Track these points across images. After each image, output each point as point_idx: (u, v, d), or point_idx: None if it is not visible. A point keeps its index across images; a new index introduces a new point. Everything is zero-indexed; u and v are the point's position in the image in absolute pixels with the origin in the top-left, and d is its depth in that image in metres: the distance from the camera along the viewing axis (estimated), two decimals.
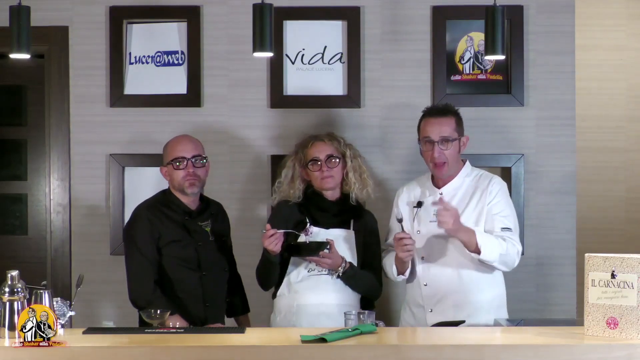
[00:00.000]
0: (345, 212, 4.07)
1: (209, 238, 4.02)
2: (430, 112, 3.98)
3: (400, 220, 3.90)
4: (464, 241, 3.81)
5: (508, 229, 3.90)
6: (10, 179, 5.96)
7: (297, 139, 4.22)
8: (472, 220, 3.91)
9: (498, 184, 3.98)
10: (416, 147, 4.58)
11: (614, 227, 5.89)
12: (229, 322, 4.18)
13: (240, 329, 3.62)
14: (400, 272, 3.98)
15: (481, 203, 3.93)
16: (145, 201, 4.05)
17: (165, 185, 4.07)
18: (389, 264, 4.02)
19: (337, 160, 4.03)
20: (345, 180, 4.06)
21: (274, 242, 3.82)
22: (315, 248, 3.87)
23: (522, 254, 3.98)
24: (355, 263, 4.00)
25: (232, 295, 4.16)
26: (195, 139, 4.06)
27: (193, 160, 3.95)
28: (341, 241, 3.99)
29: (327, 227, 4.02)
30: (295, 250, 3.92)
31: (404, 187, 4.15)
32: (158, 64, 4.64)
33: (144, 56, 4.64)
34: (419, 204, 4.02)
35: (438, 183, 4.02)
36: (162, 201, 3.99)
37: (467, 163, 4.06)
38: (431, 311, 3.95)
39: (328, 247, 3.87)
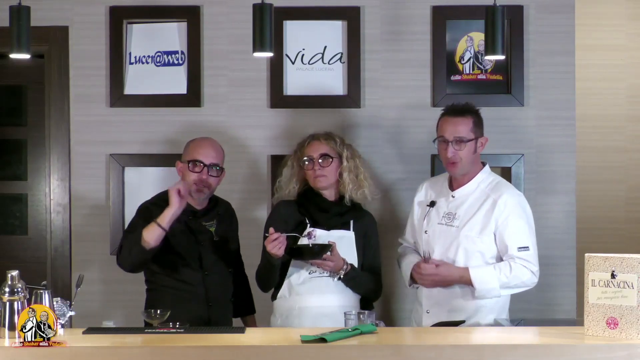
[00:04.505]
0: (345, 213, 4.05)
1: (212, 238, 4.01)
2: (448, 112, 3.94)
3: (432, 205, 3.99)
4: (460, 282, 3.85)
5: (525, 247, 3.84)
6: (10, 179, 5.97)
7: (297, 139, 4.21)
8: (476, 229, 3.86)
9: (511, 199, 3.88)
10: (416, 147, 4.58)
11: (614, 227, 5.88)
12: (236, 322, 4.17)
13: (240, 328, 3.61)
14: (414, 283, 4.00)
15: (489, 215, 3.86)
16: (152, 198, 4.05)
17: (165, 185, 4.07)
18: (405, 270, 4.02)
19: (331, 159, 4.00)
20: (340, 181, 4.04)
21: (278, 245, 3.79)
22: (318, 251, 3.85)
23: None
24: (355, 264, 3.99)
25: (237, 295, 4.15)
26: (218, 145, 4.04)
27: (209, 167, 3.94)
28: (342, 243, 3.97)
29: (329, 229, 4.01)
30: (298, 254, 3.90)
31: (423, 185, 4.12)
32: (158, 64, 4.64)
33: (144, 56, 4.64)
34: (432, 204, 4.01)
35: (453, 185, 4.00)
36: (168, 200, 3.97)
37: (486, 167, 3.99)
38: (428, 312, 3.95)
39: (330, 249, 3.86)
